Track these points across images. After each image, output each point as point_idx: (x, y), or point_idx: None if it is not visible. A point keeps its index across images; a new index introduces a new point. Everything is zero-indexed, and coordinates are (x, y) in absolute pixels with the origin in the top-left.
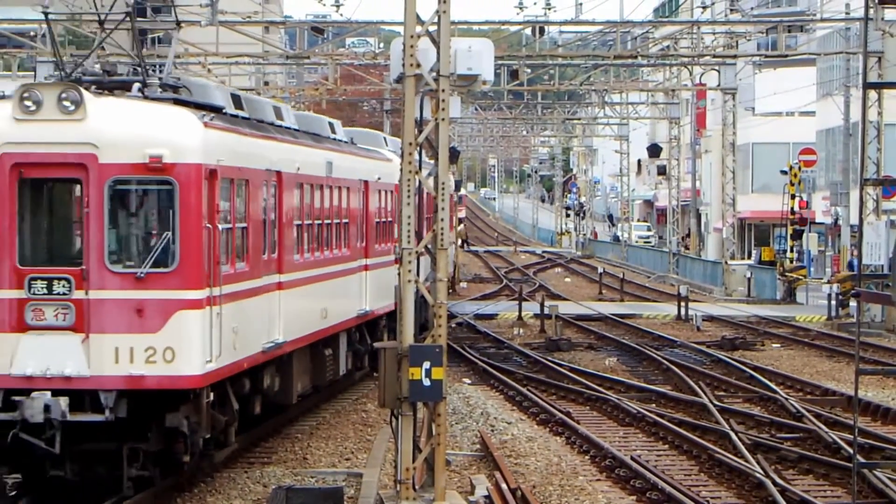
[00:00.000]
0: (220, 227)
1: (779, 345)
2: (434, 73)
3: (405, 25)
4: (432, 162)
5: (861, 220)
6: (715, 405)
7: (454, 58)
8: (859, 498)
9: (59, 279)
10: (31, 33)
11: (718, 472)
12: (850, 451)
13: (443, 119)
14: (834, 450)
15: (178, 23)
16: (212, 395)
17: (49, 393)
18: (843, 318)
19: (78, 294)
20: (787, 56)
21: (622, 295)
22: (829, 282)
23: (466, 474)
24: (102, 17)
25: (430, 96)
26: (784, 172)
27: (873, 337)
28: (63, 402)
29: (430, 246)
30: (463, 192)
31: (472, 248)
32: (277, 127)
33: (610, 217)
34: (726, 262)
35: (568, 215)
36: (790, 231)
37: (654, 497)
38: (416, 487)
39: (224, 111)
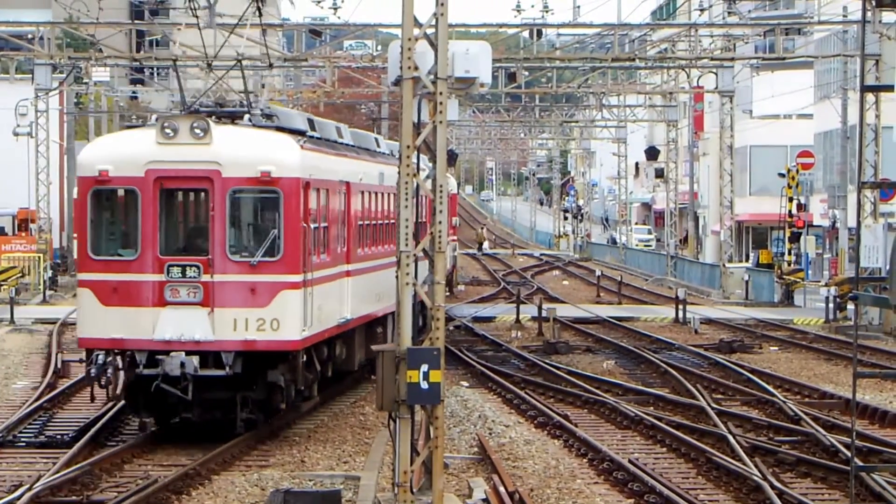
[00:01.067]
0: (311, 226)
1: (776, 348)
2: (432, 76)
3: (403, 28)
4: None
5: (859, 222)
6: (713, 408)
7: (452, 60)
8: (857, 501)
9: (191, 266)
10: (29, 36)
11: (716, 475)
12: (848, 454)
13: (440, 122)
14: (832, 453)
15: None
16: (304, 356)
17: (183, 353)
18: (840, 320)
19: (205, 277)
20: (784, 59)
21: (620, 298)
22: (826, 284)
23: (464, 477)
24: (211, 60)
25: (427, 99)
26: (782, 175)
27: (871, 340)
28: (194, 360)
29: (427, 248)
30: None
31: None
32: (343, 145)
33: (605, 219)
34: (724, 265)
35: (566, 218)
36: (788, 234)
37: (652, 500)
38: (414, 490)
39: (306, 133)
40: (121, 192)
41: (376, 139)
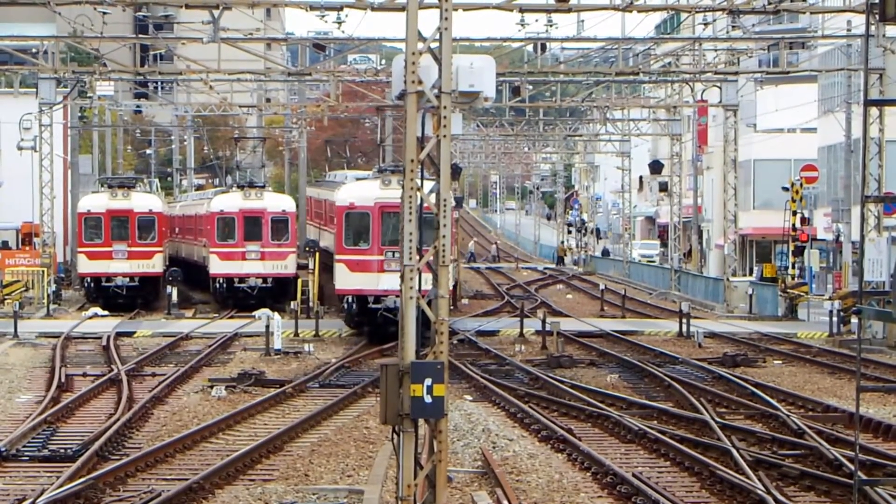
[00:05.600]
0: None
1: (780, 361)
2: (436, 90)
3: (407, 42)
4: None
5: (862, 236)
6: (716, 422)
7: (456, 74)
8: None
9: (397, 252)
10: (33, 50)
11: (720, 488)
12: (852, 467)
13: (444, 136)
14: (835, 466)
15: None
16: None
17: (394, 296)
18: (844, 334)
19: None
20: (788, 73)
21: (624, 311)
22: (830, 298)
23: (468, 491)
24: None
25: (431, 113)
26: (786, 189)
27: (875, 353)
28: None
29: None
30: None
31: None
32: None
33: (597, 231)
34: (728, 279)
35: (570, 232)
36: (792, 248)
37: None
38: None
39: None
40: (361, 214)
41: None
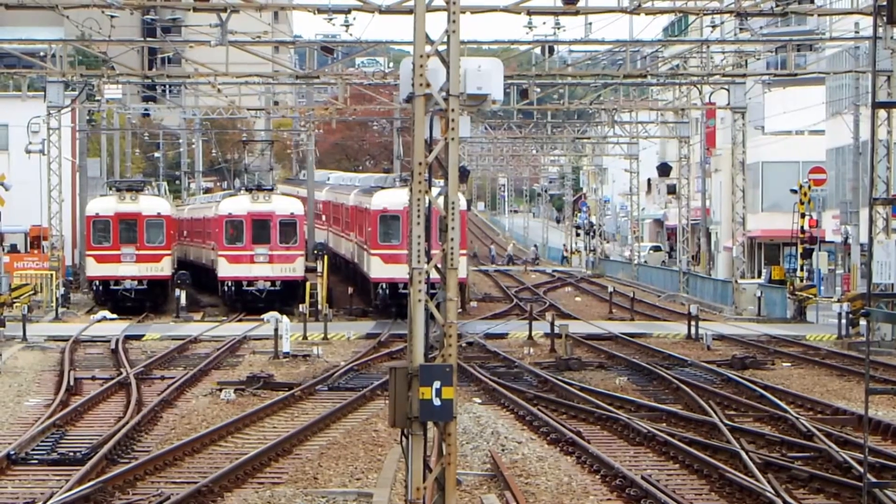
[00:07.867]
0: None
1: (789, 364)
2: (444, 93)
3: (415, 45)
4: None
5: (871, 238)
6: (725, 424)
7: (464, 77)
8: None
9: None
10: (41, 53)
11: (729, 491)
12: (861, 470)
13: (452, 139)
14: (845, 469)
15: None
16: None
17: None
18: (853, 336)
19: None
20: (796, 75)
21: (632, 314)
22: (839, 300)
23: (477, 494)
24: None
25: (439, 116)
26: (794, 191)
27: (884, 356)
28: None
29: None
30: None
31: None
32: None
33: (597, 231)
34: (736, 281)
35: (578, 234)
36: (800, 250)
37: None
38: None
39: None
40: (392, 216)
41: None
